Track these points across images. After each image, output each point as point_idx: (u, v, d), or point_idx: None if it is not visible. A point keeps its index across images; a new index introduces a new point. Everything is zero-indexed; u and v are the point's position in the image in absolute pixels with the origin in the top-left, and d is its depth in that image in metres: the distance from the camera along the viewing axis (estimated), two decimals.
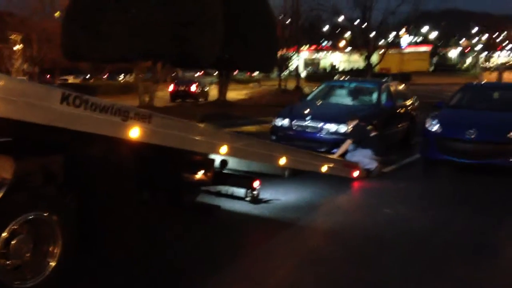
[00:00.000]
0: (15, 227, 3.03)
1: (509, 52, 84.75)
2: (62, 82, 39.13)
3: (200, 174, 5.01)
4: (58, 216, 3.22)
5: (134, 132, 3.40)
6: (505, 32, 76.35)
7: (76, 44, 16.55)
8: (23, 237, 3.08)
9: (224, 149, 4.48)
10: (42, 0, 31.95)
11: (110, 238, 3.68)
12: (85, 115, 3.05)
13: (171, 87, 28.42)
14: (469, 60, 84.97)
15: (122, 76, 54.29)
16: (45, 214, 3.17)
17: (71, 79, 45.47)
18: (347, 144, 7.44)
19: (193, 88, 27.97)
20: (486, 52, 75.88)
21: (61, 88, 3.22)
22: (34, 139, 3.39)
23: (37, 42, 33.08)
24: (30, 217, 3.11)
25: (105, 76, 48.71)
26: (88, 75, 47.57)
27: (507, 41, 79.37)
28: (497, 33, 74.18)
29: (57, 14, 31.82)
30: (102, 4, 15.78)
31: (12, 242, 3.01)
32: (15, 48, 38.48)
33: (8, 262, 3.01)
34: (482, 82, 20.19)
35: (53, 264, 3.24)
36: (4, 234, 2.96)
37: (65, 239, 3.28)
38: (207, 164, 5.05)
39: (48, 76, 39.85)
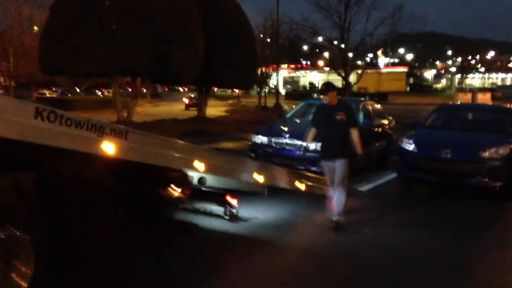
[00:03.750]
0: None
1: (482, 75, 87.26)
2: (39, 96, 38.54)
3: (177, 192, 4.95)
4: (30, 235, 3.13)
5: (110, 148, 3.34)
6: (478, 56, 78.65)
7: (54, 59, 16.36)
8: None
9: (202, 166, 4.44)
10: (20, 15, 31.57)
11: (83, 258, 3.58)
12: (59, 130, 2.99)
13: (186, 100, 36.74)
14: (444, 81, 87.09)
15: (99, 92, 53.81)
16: (17, 233, 3.07)
17: (48, 94, 44.85)
18: (313, 132, 6.11)
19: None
20: (460, 75, 77.84)
21: (35, 103, 3.15)
22: (5, 155, 3.30)
23: (14, 56, 32.57)
24: (1, 236, 3.01)
25: (82, 91, 48.23)
26: (60, 91, 47.08)
27: (480, 64, 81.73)
28: (470, 56, 76.26)
29: (35, 28, 31.47)
30: (81, 19, 15.67)
31: None
32: None
33: None
34: (456, 103, 20.65)
35: (25, 285, 3.13)
36: None
37: (38, 259, 3.17)
38: (185, 181, 5.00)
39: (24, 91, 39.19)
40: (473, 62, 78.42)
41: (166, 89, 74.70)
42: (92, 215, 3.58)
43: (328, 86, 5.83)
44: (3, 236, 3.01)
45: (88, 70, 16.40)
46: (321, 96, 5.78)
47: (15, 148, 2.94)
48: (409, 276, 4.31)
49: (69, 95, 43.12)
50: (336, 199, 5.64)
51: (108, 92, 49.58)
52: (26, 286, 3.12)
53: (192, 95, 39.19)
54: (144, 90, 31.46)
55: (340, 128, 5.67)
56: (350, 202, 6.05)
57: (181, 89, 75.17)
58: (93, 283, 3.73)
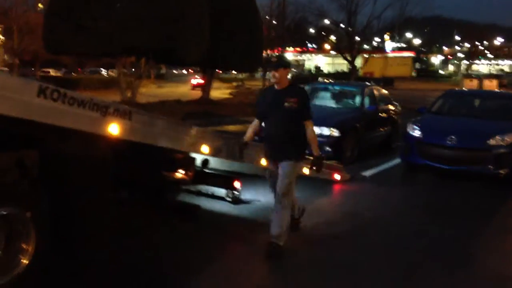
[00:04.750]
0: None
1: (489, 61, 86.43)
2: (44, 75, 38.47)
3: (180, 173, 4.94)
4: (31, 213, 3.13)
5: (113, 129, 3.32)
6: (486, 42, 77.86)
7: (58, 38, 16.23)
8: None
9: (205, 148, 4.42)
10: None
11: (84, 236, 3.59)
12: (62, 109, 2.96)
13: (195, 82, 37.36)
14: (451, 67, 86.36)
15: (103, 71, 53.61)
16: (18, 210, 3.07)
17: (52, 72, 44.76)
18: (255, 126, 4.67)
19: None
20: (466, 61, 77.20)
21: (39, 81, 3.12)
22: (8, 133, 3.28)
23: (19, 33, 32.44)
24: (3, 213, 3.01)
25: (87, 70, 48.15)
26: (64, 70, 47.00)
27: (487, 51, 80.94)
28: (478, 42, 75.49)
29: (40, 5, 31.25)
30: None
31: None
32: None
33: None
34: (463, 89, 20.49)
35: (25, 261, 3.15)
36: None
37: (38, 237, 3.18)
38: (188, 163, 4.99)
39: (32, 69, 39.13)
40: (481, 48, 77.61)
41: (184, 71, 74.42)
42: (93, 194, 3.57)
43: (280, 60, 4.52)
44: (5, 213, 3.01)
45: (92, 49, 16.29)
46: (271, 72, 4.29)
47: (18, 126, 2.92)
48: (412, 263, 4.31)
49: (73, 74, 43.01)
50: (277, 215, 4.28)
51: (112, 72, 49.44)
52: (27, 263, 3.14)
53: (197, 76, 39.49)
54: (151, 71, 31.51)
55: (290, 119, 4.24)
56: (355, 186, 6.04)
57: (185, 71, 74.94)
58: (93, 261, 3.75)
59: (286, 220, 4.34)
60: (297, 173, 4.52)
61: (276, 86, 4.35)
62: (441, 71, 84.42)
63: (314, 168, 4.41)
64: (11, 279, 3.06)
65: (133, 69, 20.27)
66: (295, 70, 68.38)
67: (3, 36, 37.10)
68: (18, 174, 3.21)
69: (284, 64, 4.35)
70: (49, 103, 2.88)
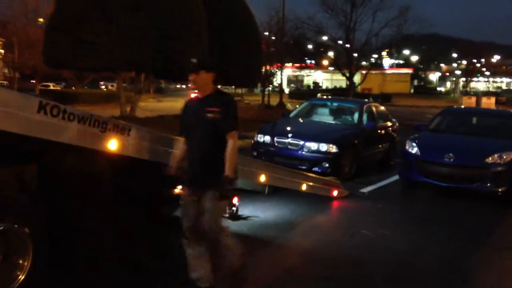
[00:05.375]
0: None
1: (487, 78, 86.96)
2: (43, 89, 38.55)
3: (179, 189, 4.93)
4: (29, 228, 3.12)
5: (112, 144, 3.33)
6: (484, 59, 78.40)
7: (59, 52, 16.33)
8: None
9: None
10: (25, 5, 31.57)
11: (83, 252, 3.57)
12: (62, 125, 2.98)
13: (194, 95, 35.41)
14: (448, 84, 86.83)
15: (103, 85, 53.83)
16: (15, 226, 3.07)
17: (52, 86, 44.89)
18: (181, 148, 3.71)
19: None
20: (464, 78, 77.64)
21: (39, 97, 3.14)
22: (7, 148, 3.29)
23: (19, 47, 32.60)
24: (0, 228, 3.00)
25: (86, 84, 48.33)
26: (64, 84, 47.16)
27: (485, 68, 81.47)
28: (476, 59, 76.02)
29: (40, 20, 31.47)
30: (86, 13, 15.64)
31: None
32: None
33: None
34: (462, 107, 20.59)
35: (22, 277, 3.13)
36: None
37: (36, 252, 3.17)
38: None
39: (34, 82, 39.18)
40: (478, 65, 78.15)
41: (182, 86, 74.73)
42: (93, 210, 3.56)
43: (201, 62, 3.60)
44: (2, 228, 3.00)
45: (93, 64, 16.38)
46: (190, 76, 3.44)
47: (17, 141, 2.93)
48: (409, 279, 4.29)
49: (73, 88, 43.12)
50: (211, 259, 3.49)
51: (112, 86, 49.59)
52: (23, 278, 3.12)
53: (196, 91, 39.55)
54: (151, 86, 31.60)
55: (213, 135, 3.37)
56: (353, 202, 6.02)
57: (183, 86, 75.33)
58: (91, 276, 3.72)
59: (230, 263, 3.45)
60: (224, 209, 3.66)
61: (195, 92, 3.57)
62: (439, 88, 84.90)
63: (220, 197, 3.33)
64: None
65: (132, 84, 20.36)
66: (293, 86, 68.83)
67: (3, 49, 37.28)
68: (17, 189, 3.21)
69: (206, 66, 3.51)
70: (49, 119, 2.90)
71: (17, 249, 3.12)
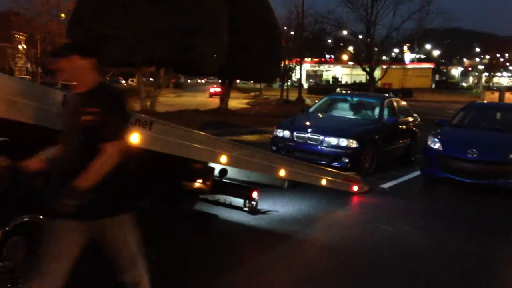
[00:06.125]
0: (9, 229, 2.97)
1: (510, 73, 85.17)
2: (65, 83, 39.11)
3: (199, 183, 4.96)
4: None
5: (134, 138, 3.36)
6: (507, 54, 76.72)
7: None
8: (16, 239, 3.03)
9: (223, 158, 4.44)
10: (48, 1, 32.01)
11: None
12: None
13: (212, 90, 39.63)
14: (471, 79, 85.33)
15: (123, 81, 54.35)
16: (40, 217, 3.12)
17: None
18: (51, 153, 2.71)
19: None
20: (487, 73, 76.21)
21: (62, 91, 3.18)
22: (32, 140, 3.35)
23: (41, 42, 33.13)
24: (25, 220, 3.06)
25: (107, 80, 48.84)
26: None
27: (508, 63, 79.76)
28: (499, 54, 74.48)
29: (62, 15, 31.90)
30: (108, 8, 15.82)
31: (6, 244, 2.96)
32: (19, 47, 38.61)
33: (0, 264, 2.96)
34: (485, 102, 20.21)
35: None
36: None
37: None
38: (207, 172, 5.00)
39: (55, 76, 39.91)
40: (502, 60, 76.57)
41: (201, 81, 75.37)
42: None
43: (74, 44, 2.64)
44: (27, 219, 3.05)
45: (114, 59, 16.58)
46: (57, 63, 2.43)
47: (43, 133, 2.98)
48: (430, 276, 4.24)
49: None
50: None
51: (132, 81, 50.04)
52: None
53: (215, 85, 40.23)
54: (173, 80, 31.80)
55: (87, 147, 2.38)
56: (373, 198, 5.96)
57: (202, 81, 75.83)
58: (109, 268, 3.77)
59: None
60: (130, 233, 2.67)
61: (75, 89, 2.53)
62: (462, 83, 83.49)
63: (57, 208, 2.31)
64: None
65: (152, 79, 20.53)
66: (312, 81, 68.45)
67: (26, 45, 37.94)
68: (42, 182, 3.26)
69: (78, 49, 2.44)
70: None
71: (41, 241, 3.17)
